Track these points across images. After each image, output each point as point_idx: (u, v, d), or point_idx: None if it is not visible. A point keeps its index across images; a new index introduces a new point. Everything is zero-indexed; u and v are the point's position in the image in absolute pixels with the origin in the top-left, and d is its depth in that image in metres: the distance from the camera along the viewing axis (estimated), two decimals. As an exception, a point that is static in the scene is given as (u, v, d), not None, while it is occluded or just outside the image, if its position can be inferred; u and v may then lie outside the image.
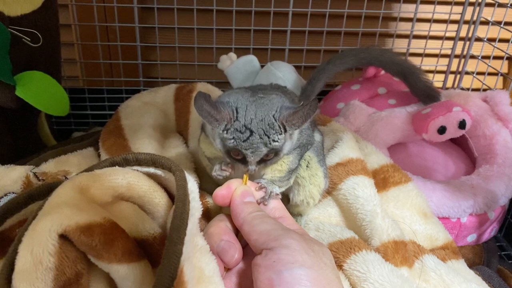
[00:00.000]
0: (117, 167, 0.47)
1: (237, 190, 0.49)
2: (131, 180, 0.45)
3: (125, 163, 0.47)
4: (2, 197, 0.55)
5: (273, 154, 0.50)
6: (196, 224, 0.42)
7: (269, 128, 0.48)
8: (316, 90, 0.85)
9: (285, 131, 0.49)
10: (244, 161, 0.50)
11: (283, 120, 0.48)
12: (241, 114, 0.48)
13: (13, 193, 0.56)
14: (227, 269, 0.46)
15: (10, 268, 0.37)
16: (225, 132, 0.48)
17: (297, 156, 0.56)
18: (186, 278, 0.35)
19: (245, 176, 0.51)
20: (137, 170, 0.47)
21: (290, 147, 0.52)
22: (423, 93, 0.85)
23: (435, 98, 0.84)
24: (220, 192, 0.49)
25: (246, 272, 0.45)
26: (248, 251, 0.46)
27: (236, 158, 0.50)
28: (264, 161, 0.50)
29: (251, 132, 0.47)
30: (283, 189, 0.56)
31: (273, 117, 0.48)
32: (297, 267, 0.39)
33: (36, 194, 0.47)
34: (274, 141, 0.48)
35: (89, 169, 0.46)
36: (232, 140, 0.48)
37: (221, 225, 0.47)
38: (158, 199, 0.47)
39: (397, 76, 0.88)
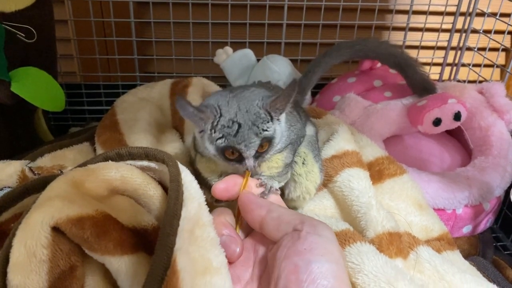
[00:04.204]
0: (110, 161, 0.47)
1: (244, 189, 0.50)
2: (124, 173, 0.45)
3: (119, 157, 0.47)
4: (-2, 191, 0.56)
5: (267, 144, 0.49)
6: (195, 214, 0.42)
7: (256, 118, 0.48)
8: (312, 83, 0.85)
9: (271, 118, 0.48)
10: (240, 158, 0.49)
11: (267, 107, 0.48)
12: (224, 110, 0.48)
13: (9, 187, 0.56)
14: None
15: (5, 261, 0.37)
16: (213, 131, 0.47)
17: (290, 151, 0.56)
18: (179, 267, 0.36)
19: (246, 173, 0.50)
20: (131, 164, 0.47)
21: (281, 133, 0.51)
22: (419, 85, 0.85)
23: (431, 90, 0.84)
24: (219, 186, 0.49)
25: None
26: (247, 245, 0.47)
27: (232, 158, 0.49)
28: (260, 155, 0.50)
29: (239, 124, 0.47)
30: (282, 184, 0.57)
31: (257, 106, 0.48)
32: (325, 261, 0.39)
33: (31, 188, 0.47)
34: (264, 130, 0.48)
35: (83, 164, 0.47)
36: (222, 138, 0.47)
37: (221, 219, 0.48)
38: (152, 191, 0.47)
39: (394, 68, 0.88)
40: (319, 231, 0.41)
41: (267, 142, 0.49)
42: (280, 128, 0.51)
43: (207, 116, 0.47)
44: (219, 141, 0.47)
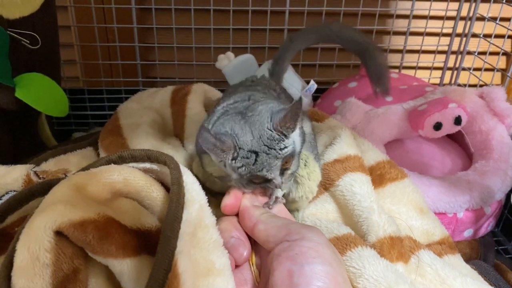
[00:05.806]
0: (112, 164, 0.47)
1: (244, 195, 0.50)
2: (127, 175, 0.45)
3: (121, 160, 0.48)
4: (4, 195, 0.56)
5: (291, 158, 0.49)
6: (197, 216, 0.42)
7: (271, 142, 0.47)
8: (284, 70, 0.83)
9: (285, 135, 0.47)
10: (267, 181, 0.49)
11: (278, 127, 0.47)
12: (242, 140, 0.47)
13: (14, 191, 0.56)
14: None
15: (10, 265, 0.38)
16: (234, 161, 0.47)
17: (298, 158, 0.56)
18: (180, 271, 0.36)
19: None
20: (133, 167, 0.48)
21: (301, 142, 0.51)
22: (374, 77, 0.80)
23: (382, 86, 0.78)
24: (229, 202, 0.49)
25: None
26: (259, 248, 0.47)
27: (258, 182, 0.49)
28: (285, 169, 0.49)
29: (256, 153, 0.46)
30: (285, 190, 0.57)
31: (268, 129, 0.47)
32: (318, 263, 0.39)
33: (37, 191, 0.47)
34: (281, 149, 0.47)
35: (85, 168, 0.47)
36: (243, 167, 0.47)
37: (232, 221, 0.48)
38: (156, 193, 0.47)
39: (356, 54, 0.83)
40: (308, 237, 0.41)
41: (290, 157, 0.49)
42: (299, 137, 0.51)
43: (229, 147, 0.46)
44: (241, 169, 0.47)
